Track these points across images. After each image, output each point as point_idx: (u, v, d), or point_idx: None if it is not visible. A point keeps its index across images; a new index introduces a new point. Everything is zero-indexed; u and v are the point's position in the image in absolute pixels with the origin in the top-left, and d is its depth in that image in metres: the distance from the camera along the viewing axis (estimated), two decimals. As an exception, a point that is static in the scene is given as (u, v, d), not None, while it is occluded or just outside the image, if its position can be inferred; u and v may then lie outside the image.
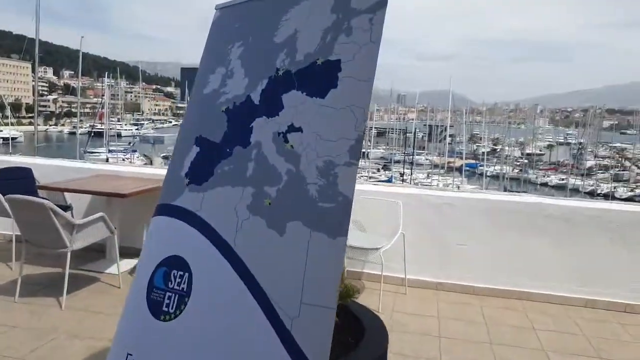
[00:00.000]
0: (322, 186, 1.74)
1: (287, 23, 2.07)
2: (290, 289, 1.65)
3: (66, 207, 5.39)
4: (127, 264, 5.25)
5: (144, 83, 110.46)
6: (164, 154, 37.49)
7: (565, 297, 4.58)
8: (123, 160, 34.40)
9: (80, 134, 41.74)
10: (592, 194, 36.07)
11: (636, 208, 4.64)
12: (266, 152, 1.93)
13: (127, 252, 5.33)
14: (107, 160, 32.04)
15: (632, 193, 37.02)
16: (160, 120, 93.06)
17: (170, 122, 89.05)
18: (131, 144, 44.50)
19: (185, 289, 1.90)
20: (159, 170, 5.90)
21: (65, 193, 5.44)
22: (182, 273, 1.94)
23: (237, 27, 2.28)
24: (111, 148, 40.18)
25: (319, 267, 1.65)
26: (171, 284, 1.95)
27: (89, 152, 38.26)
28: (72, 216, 5.25)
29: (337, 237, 1.66)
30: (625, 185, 40.10)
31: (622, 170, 45.64)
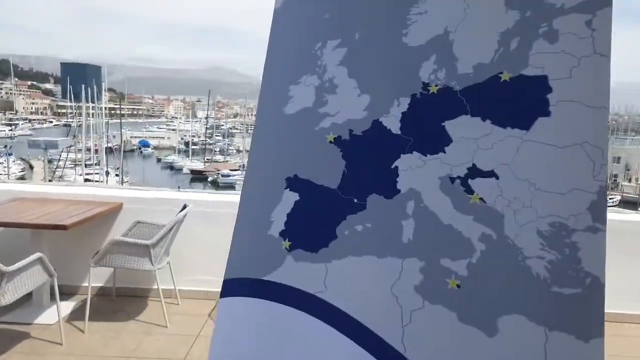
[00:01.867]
0: (554, 262, 1.19)
1: (425, 18, 1.46)
2: None
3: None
4: (64, 308, 4.21)
5: (16, 79, 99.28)
6: (49, 157, 33.13)
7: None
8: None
9: None
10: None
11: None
12: (432, 205, 1.33)
13: (60, 292, 4.27)
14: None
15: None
16: (38, 120, 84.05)
17: (51, 122, 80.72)
18: (7, 147, 39.42)
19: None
20: (95, 189, 4.86)
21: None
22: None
23: (328, 19, 1.61)
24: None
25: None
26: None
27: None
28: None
29: (591, 339, 1.13)
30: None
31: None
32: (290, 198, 1.48)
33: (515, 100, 1.30)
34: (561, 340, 1.14)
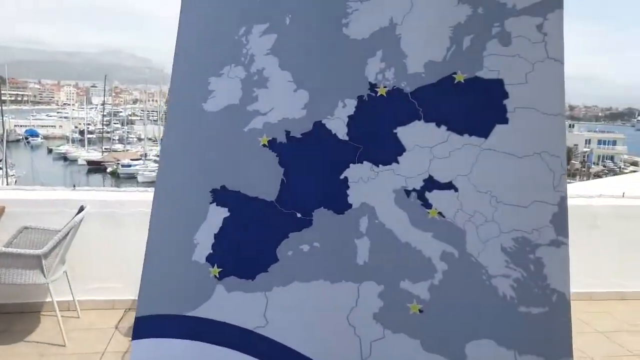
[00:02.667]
0: (519, 281, 1.11)
1: (368, 6, 1.31)
2: None
3: None
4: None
5: None
6: None
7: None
8: None
9: None
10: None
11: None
12: (388, 222, 1.20)
13: None
14: None
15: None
16: None
17: None
18: None
19: None
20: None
21: None
22: None
23: (260, 1, 1.39)
24: None
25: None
26: None
27: None
28: None
29: (560, 358, 1.07)
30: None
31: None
32: (218, 214, 1.27)
33: (472, 105, 1.20)
34: None
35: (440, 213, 1.17)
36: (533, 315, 1.09)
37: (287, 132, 1.28)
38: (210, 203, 1.27)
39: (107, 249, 4.05)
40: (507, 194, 1.15)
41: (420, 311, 1.14)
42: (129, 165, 37.64)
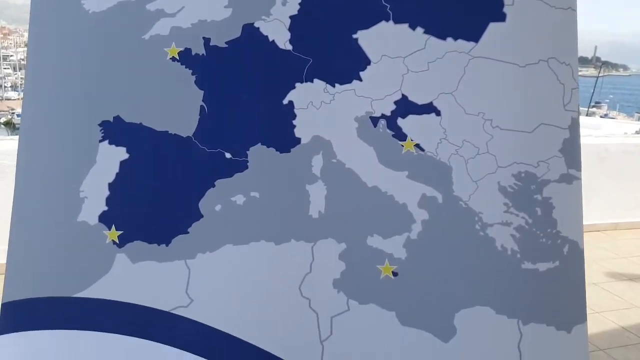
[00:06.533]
0: (523, 229, 0.85)
1: None
2: None
3: None
4: None
5: None
6: None
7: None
8: None
9: None
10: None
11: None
12: (349, 160, 0.89)
13: None
14: None
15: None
16: None
17: None
18: None
19: None
20: None
21: None
22: None
23: None
24: None
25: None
26: None
27: None
28: None
29: (575, 326, 0.85)
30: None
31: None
32: (112, 156, 0.90)
33: None
34: (539, 335, 0.83)
35: (417, 145, 0.88)
36: (540, 274, 0.85)
37: (206, 40, 0.91)
38: (100, 141, 0.90)
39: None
40: (505, 116, 0.87)
41: (395, 274, 0.86)
42: (27, 115, 34.38)
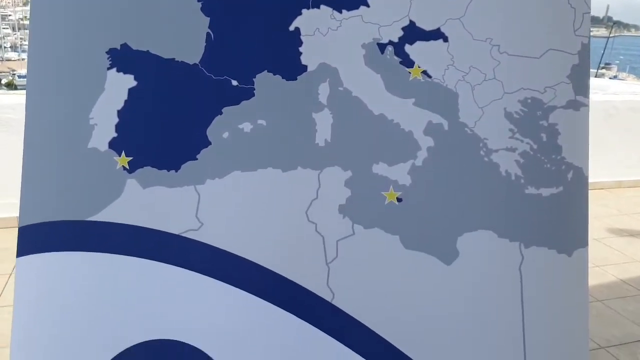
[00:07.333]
0: (527, 155, 0.86)
1: None
2: None
3: None
4: None
5: None
6: None
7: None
8: None
9: None
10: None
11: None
12: (356, 87, 0.89)
13: None
14: None
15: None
16: None
17: None
18: None
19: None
20: None
21: None
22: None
23: None
24: None
25: (552, 315, 0.85)
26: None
27: None
28: None
29: (576, 250, 0.87)
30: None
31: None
32: (120, 84, 0.90)
33: None
34: (540, 258, 0.85)
35: (425, 72, 0.88)
36: (543, 198, 0.86)
37: None
38: (109, 68, 0.90)
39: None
40: (513, 40, 0.86)
41: (399, 200, 0.88)
42: (28, 76, 34.04)
